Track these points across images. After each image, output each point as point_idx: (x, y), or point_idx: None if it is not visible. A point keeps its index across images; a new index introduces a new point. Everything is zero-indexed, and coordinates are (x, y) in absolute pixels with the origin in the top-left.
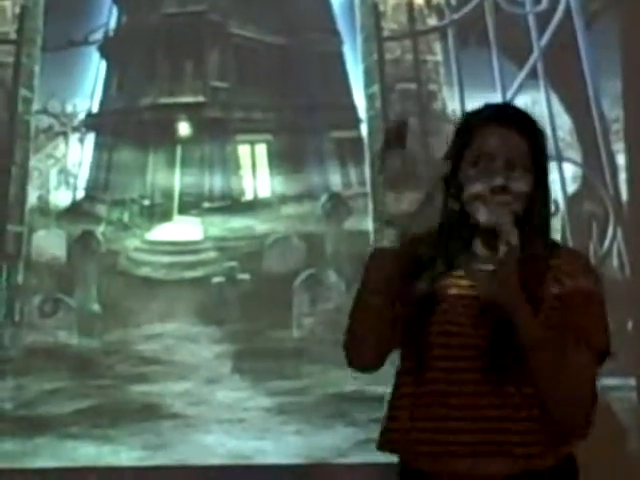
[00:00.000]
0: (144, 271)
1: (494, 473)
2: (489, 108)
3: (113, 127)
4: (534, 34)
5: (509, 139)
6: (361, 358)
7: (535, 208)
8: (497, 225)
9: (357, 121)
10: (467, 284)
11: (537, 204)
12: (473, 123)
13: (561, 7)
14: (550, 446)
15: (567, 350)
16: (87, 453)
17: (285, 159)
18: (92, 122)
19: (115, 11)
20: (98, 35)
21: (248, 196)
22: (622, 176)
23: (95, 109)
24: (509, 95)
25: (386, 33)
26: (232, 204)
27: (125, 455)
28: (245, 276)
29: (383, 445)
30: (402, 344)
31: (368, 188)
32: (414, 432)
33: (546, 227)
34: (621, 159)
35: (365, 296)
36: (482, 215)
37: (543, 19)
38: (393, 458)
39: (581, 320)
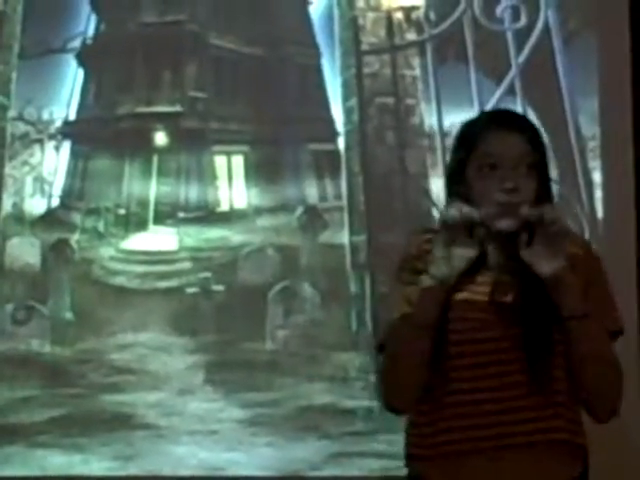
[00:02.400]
0: (118, 280)
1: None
2: (487, 114)
3: (89, 135)
4: (512, 51)
5: (511, 141)
6: (404, 405)
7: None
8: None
9: (334, 134)
10: (481, 290)
11: (545, 203)
12: (474, 130)
13: (539, 25)
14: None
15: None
16: (57, 462)
17: (262, 171)
18: (68, 130)
19: (93, 19)
20: (76, 43)
21: (224, 207)
22: (598, 193)
23: (72, 117)
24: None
25: (365, 47)
26: (208, 215)
27: (96, 465)
28: (219, 287)
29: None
30: None
31: (344, 201)
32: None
33: None
34: (597, 177)
35: (413, 332)
36: (504, 222)
37: (521, 36)
38: (365, 471)
39: (597, 303)
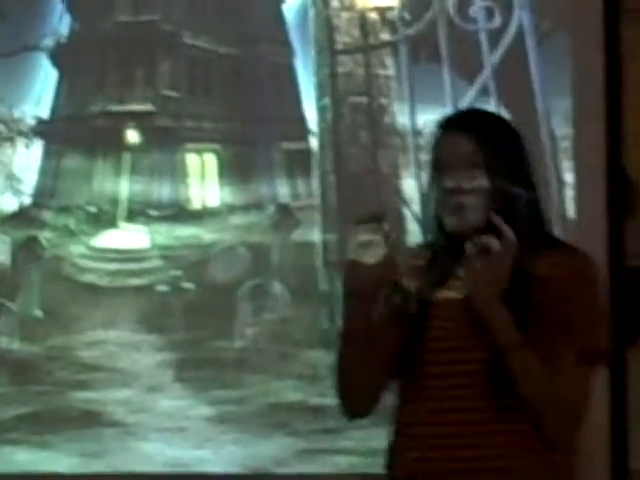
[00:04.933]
0: (88, 278)
1: None
2: (441, 118)
3: (62, 133)
4: (486, 51)
5: (454, 142)
6: (359, 412)
7: (512, 208)
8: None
9: (307, 133)
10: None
11: (515, 204)
12: (435, 131)
13: (513, 25)
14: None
15: (553, 356)
16: (25, 459)
17: (234, 169)
18: (41, 128)
19: (67, 18)
20: (49, 41)
21: (196, 205)
22: (570, 194)
23: (44, 115)
24: None
25: (339, 46)
26: (179, 213)
27: (63, 462)
28: (190, 285)
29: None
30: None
31: (316, 200)
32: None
33: (533, 228)
34: (569, 177)
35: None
36: (448, 223)
37: (495, 37)
38: (333, 468)
39: (569, 320)
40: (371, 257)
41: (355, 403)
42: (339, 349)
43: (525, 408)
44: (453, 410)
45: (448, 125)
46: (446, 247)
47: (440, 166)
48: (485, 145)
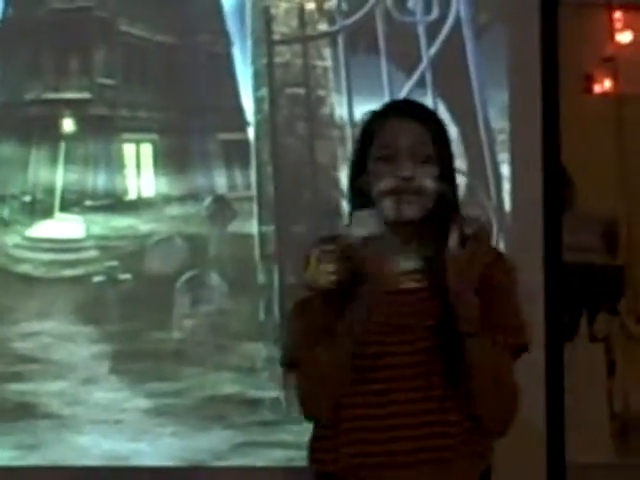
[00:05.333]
0: (23, 268)
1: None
2: (388, 104)
3: None
4: (423, 43)
5: (410, 130)
6: (323, 415)
7: (446, 200)
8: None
9: (244, 124)
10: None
11: (447, 196)
12: (374, 120)
13: (451, 18)
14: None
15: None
16: None
17: (170, 159)
18: None
19: (0, 3)
20: None
21: (132, 195)
22: (506, 186)
23: None
24: None
25: (276, 37)
26: (115, 203)
27: None
28: (126, 276)
29: (317, 462)
30: None
31: (253, 191)
32: (352, 445)
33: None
34: (506, 170)
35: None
36: (391, 211)
37: (433, 29)
38: (271, 461)
39: (500, 316)
40: (327, 283)
41: (328, 404)
42: (334, 352)
43: (471, 397)
44: (390, 403)
45: (398, 112)
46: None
47: (388, 154)
48: (438, 138)
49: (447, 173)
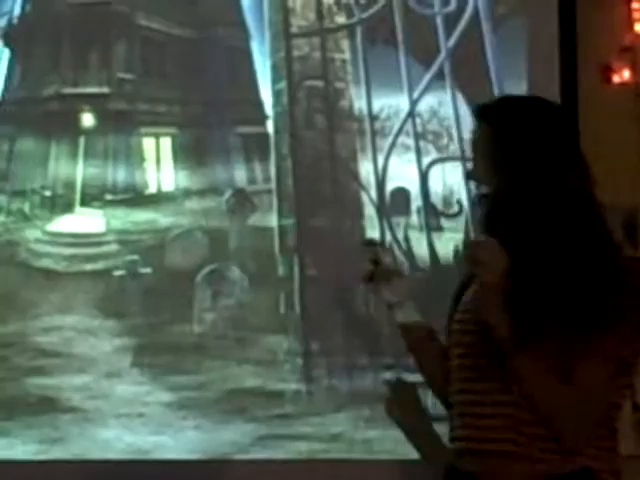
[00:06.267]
0: (44, 263)
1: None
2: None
3: (15, 116)
4: (442, 35)
5: (476, 129)
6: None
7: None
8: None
9: (263, 117)
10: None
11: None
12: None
13: (469, 10)
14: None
15: None
16: None
17: (190, 153)
18: None
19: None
20: (2, 22)
21: (152, 189)
22: None
23: None
24: (415, 95)
25: (294, 30)
26: (135, 197)
27: (21, 448)
28: (147, 270)
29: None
30: None
31: (273, 184)
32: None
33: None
34: None
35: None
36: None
37: (451, 21)
38: (293, 454)
39: None
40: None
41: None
42: None
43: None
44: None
45: (474, 112)
46: None
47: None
48: (500, 134)
49: (513, 174)
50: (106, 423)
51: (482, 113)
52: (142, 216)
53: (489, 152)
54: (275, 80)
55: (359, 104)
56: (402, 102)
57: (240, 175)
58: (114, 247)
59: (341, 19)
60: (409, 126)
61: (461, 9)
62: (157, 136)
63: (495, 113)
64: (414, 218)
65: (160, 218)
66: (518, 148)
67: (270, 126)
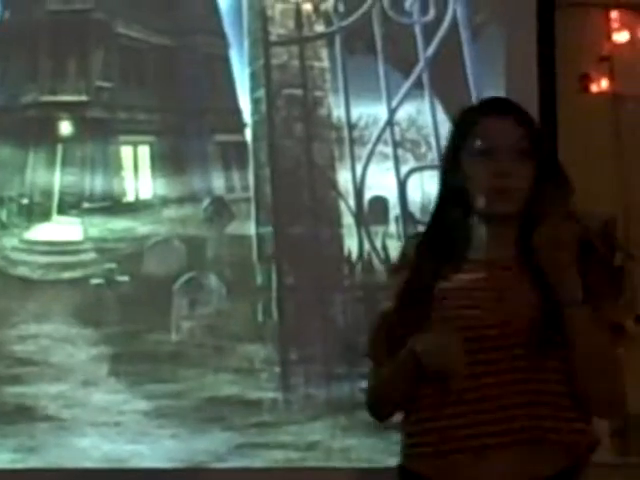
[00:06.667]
0: (21, 271)
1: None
2: (483, 100)
3: None
4: (420, 44)
5: (504, 126)
6: (388, 416)
7: (545, 199)
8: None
9: (242, 125)
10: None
11: (547, 196)
12: (468, 116)
13: (447, 19)
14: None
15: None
16: None
17: (168, 161)
18: None
19: None
20: None
21: (129, 197)
22: None
23: None
24: (394, 104)
25: (273, 38)
26: (113, 205)
27: None
28: (124, 278)
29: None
30: None
31: (251, 193)
32: (450, 431)
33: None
34: None
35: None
36: (499, 206)
37: (430, 30)
38: (270, 462)
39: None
40: None
41: (391, 409)
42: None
43: (574, 371)
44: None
45: (495, 108)
46: (455, 232)
47: (486, 149)
48: (534, 136)
49: (544, 169)
50: (83, 432)
51: None
52: (120, 224)
53: None
54: (254, 88)
55: (338, 112)
56: (381, 111)
57: (218, 183)
58: (91, 255)
59: (320, 27)
60: (387, 135)
61: (440, 18)
62: (135, 144)
63: None
64: (392, 227)
65: (138, 226)
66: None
67: (248, 134)
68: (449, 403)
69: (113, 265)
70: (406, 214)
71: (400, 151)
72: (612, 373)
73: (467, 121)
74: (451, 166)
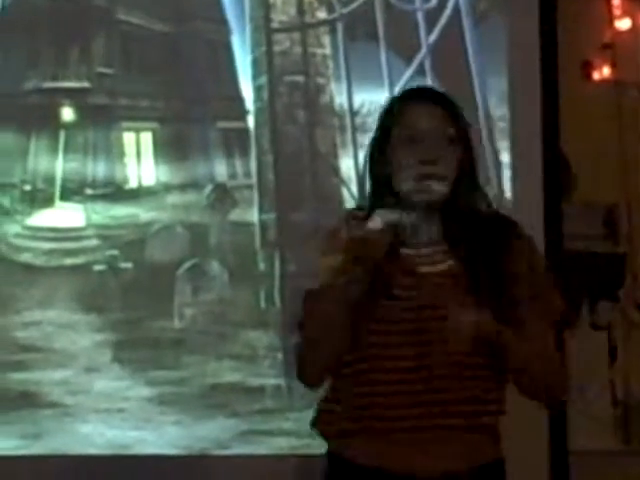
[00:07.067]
0: (24, 257)
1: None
2: (409, 89)
3: None
4: (422, 31)
5: (432, 114)
6: (320, 380)
7: (474, 179)
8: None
9: (244, 112)
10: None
11: (475, 175)
12: (394, 105)
13: (450, 5)
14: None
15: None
16: None
17: (170, 148)
18: None
19: None
20: None
21: (132, 184)
22: (506, 174)
23: None
24: (396, 91)
25: (275, 25)
26: (115, 191)
27: (1, 444)
28: (127, 264)
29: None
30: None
31: (254, 180)
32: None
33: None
34: (505, 157)
35: (334, 306)
36: (425, 194)
37: (432, 16)
38: (273, 449)
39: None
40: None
41: (320, 367)
42: (324, 311)
43: (519, 382)
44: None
45: (422, 96)
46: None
47: (412, 137)
48: (460, 123)
49: (470, 160)
50: (86, 418)
51: None
52: (122, 211)
53: None
54: (256, 75)
55: (340, 99)
56: (383, 97)
57: (221, 170)
58: (94, 242)
59: (322, 14)
60: None
61: (442, 5)
62: (137, 131)
63: None
64: None
65: (140, 213)
66: None
67: (251, 121)
68: (385, 382)
69: (116, 252)
70: None
71: None
72: (550, 370)
73: (392, 110)
74: (378, 155)
